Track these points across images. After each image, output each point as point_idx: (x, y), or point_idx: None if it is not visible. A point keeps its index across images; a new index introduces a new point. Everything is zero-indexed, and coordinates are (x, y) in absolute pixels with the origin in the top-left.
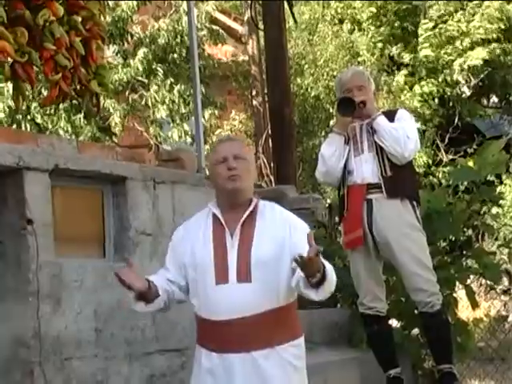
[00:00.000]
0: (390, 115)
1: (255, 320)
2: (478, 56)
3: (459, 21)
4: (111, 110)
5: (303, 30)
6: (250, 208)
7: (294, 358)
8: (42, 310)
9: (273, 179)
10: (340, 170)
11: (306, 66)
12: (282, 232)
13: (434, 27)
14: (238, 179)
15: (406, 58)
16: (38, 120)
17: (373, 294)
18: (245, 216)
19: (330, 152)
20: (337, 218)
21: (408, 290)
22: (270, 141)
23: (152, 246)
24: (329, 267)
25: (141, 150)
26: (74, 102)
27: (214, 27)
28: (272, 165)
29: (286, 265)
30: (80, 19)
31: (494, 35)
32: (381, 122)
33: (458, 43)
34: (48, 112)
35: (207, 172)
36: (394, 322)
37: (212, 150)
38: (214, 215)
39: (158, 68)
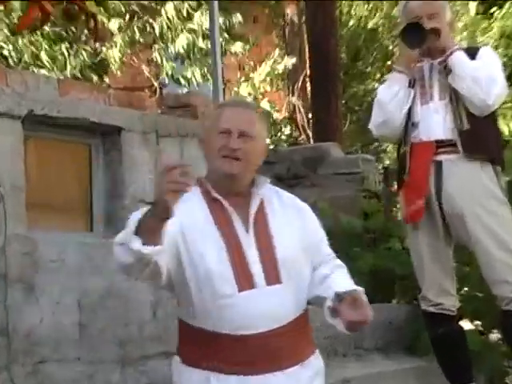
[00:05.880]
0: (470, 53)
1: (289, 329)
2: None
3: None
4: (113, 37)
5: None
6: (259, 193)
7: (321, 373)
8: (10, 298)
9: (311, 134)
10: (402, 121)
11: None
12: (295, 221)
13: None
14: (238, 164)
15: None
16: (7, 51)
17: (439, 287)
18: (256, 205)
19: (390, 96)
20: (395, 185)
21: (487, 280)
22: (309, 83)
23: None
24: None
25: (140, 93)
26: (57, 29)
27: None
28: (310, 115)
29: (307, 260)
30: None
31: None
32: (459, 57)
33: None
34: (23, 41)
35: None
36: (468, 324)
37: (214, 111)
38: (214, 199)
39: None
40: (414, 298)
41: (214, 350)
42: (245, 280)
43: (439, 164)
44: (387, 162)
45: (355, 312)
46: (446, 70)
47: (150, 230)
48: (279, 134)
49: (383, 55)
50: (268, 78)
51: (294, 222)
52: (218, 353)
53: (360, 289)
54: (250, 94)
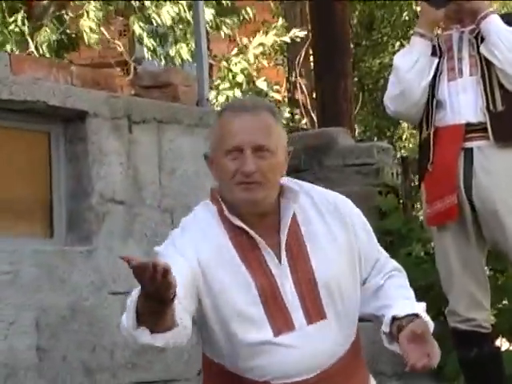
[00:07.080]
0: (508, 20)
1: (337, 368)
2: None
3: None
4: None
5: None
6: (289, 210)
7: None
8: None
9: (315, 117)
10: (421, 95)
11: None
12: (337, 231)
13: None
14: (258, 188)
15: None
16: None
17: (471, 299)
18: (287, 225)
19: (409, 63)
20: (416, 179)
21: None
22: (312, 57)
23: (126, 219)
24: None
25: (109, 70)
26: None
27: None
28: (314, 95)
29: (355, 277)
30: None
31: None
32: (493, 21)
33: None
34: None
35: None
36: (505, 343)
37: (216, 120)
38: (235, 226)
39: None
40: (441, 313)
41: None
42: (281, 322)
43: (469, 152)
44: (407, 151)
45: (417, 348)
46: (478, 41)
47: (153, 312)
48: None
49: (405, 21)
50: (266, 51)
51: (335, 232)
52: None
53: (421, 309)
54: (242, 71)
